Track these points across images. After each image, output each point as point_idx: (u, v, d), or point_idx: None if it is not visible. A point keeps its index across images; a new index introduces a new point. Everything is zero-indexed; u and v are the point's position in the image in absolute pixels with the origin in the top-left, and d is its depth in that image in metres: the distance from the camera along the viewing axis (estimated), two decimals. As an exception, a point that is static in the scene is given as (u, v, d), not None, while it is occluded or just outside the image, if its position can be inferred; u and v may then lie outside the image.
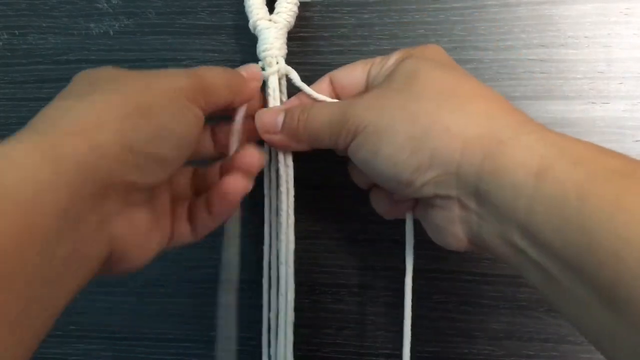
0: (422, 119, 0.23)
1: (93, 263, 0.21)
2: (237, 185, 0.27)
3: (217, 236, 0.33)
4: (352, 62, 0.33)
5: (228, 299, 0.33)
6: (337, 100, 0.29)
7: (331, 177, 0.34)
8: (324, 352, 0.34)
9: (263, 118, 0.28)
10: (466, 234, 0.24)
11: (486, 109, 0.23)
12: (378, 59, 0.28)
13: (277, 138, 0.28)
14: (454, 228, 0.24)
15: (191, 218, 0.28)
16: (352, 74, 0.29)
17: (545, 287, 0.21)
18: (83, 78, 0.24)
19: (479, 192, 0.22)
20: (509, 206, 0.21)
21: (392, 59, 0.27)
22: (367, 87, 0.28)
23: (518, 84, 0.32)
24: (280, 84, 0.30)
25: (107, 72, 0.24)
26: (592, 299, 0.19)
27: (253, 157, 0.27)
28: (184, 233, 0.28)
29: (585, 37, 0.32)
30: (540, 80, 0.32)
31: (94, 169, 0.20)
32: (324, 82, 0.29)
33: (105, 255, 0.22)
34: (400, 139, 0.23)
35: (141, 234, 0.24)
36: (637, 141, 0.31)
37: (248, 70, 0.29)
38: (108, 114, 0.21)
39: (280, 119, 0.28)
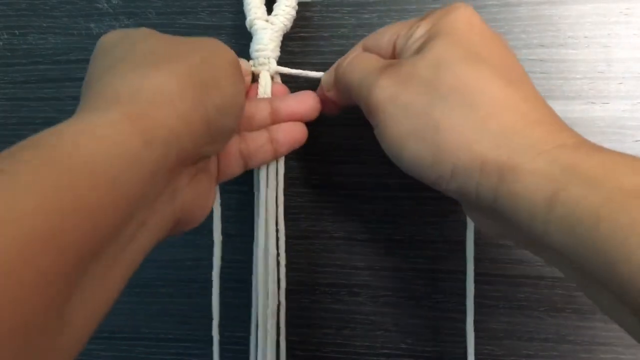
0: (445, 129, 0.23)
1: (160, 232, 0.22)
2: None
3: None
4: (352, 62, 0.33)
5: (228, 299, 0.33)
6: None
7: (331, 176, 0.34)
8: (324, 352, 0.34)
9: (326, 77, 0.30)
10: (496, 233, 0.25)
11: (508, 125, 0.22)
12: (404, 29, 0.26)
13: (331, 94, 0.29)
14: (485, 224, 0.25)
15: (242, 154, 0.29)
16: (379, 44, 0.28)
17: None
18: (122, 40, 0.24)
19: (496, 209, 0.22)
20: (525, 226, 0.21)
21: (419, 30, 0.25)
22: (395, 58, 0.27)
23: (518, 84, 0.32)
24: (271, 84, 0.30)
25: (146, 35, 0.24)
26: (618, 305, 0.19)
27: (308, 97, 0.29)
28: (236, 167, 0.29)
29: (585, 37, 0.32)
30: (540, 80, 0.32)
31: (178, 139, 0.20)
32: (357, 49, 0.29)
33: (172, 223, 0.23)
34: (424, 146, 0.23)
35: (204, 197, 0.25)
36: (637, 141, 0.31)
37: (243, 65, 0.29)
38: (187, 84, 0.21)
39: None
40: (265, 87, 0.30)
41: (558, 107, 0.32)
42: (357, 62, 0.27)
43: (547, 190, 0.20)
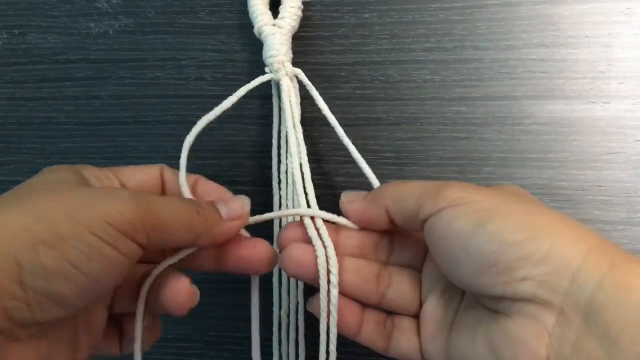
0: (542, 215, 0.21)
1: None
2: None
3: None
4: (351, 61, 0.33)
5: (228, 299, 0.33)
6: None
7: (331, 177, 0.33)
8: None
9: (349, 192, 0.27)
10: (548, 356, 0.20)
11: (602, 236, 0.21)
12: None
13: (356, 204, 0.26)
14: (537, 345, 0.20)
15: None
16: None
17: None
18: (41, 175, 0.23)
19: (592, 305, 0.19)
20: (627, 330, 0.18)
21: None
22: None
23: (519, 84, 0.32)
24: (292, 85, 0.30)
25: (58, 176, 0.23)
26: None
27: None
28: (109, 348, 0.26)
29: (586, 36, 0.32)
30: (541, 80, 0.32)
31: None
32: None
33: None
34: (517, 221, 0.21)
35: None
36: (637, 141, 0.31)
37: (233, 205, 0.25)
38: (9, 239, 0.19)
39: (364, 193, 0.27)
40: (288, 92, 0.30)
41: (558, 106, 0.32)
42: (413, 180, 0.26)
43: None
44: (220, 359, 0.34)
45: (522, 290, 0.20)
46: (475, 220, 0.21)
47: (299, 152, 0.29)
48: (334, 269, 0.25)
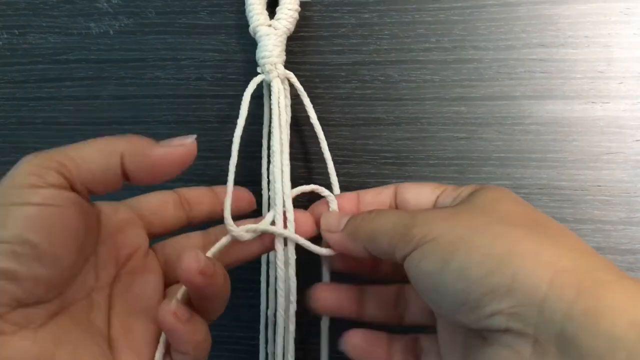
0: (507, 239, 0.21)
1: None
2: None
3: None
4: (351, 61, 0.33)
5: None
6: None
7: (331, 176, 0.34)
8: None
9: (328, 218, 0.28)
10: None
11: (579, 246, 0.21)
12: (450, 187, 0.26)
13: (336, 237, 0.27)
14: None
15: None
16: (420, 191, 0.27)
17: None
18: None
19: (564, 335, 0.18)
20: (602, 358, 0.17)
21: (467, 189, 0.25)
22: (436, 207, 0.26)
23: (518, 84, 0.32)
24: (283, 87, 0.30)
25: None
26: None
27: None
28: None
29: (586, 36, 0.32)
30: (541, 80, 0.32)
31: None
32: (389, 189, 0.28)
33: None
34: (479, 254, 0.21)
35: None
36: (637, 140, 0.31)
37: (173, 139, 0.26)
38: None
39: (344, 220, 0.27)
40: (278, 94, 0.30)
41: (558, 106, 0.32)
42: (389, 210, 0.26)
43: (637, 314, 0.18)
44: (220, 358, 0.34)
45: (495, 324, 0.20)
46: (440, 259, 0.21)
47: (281, 152, 0.29)
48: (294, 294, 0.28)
